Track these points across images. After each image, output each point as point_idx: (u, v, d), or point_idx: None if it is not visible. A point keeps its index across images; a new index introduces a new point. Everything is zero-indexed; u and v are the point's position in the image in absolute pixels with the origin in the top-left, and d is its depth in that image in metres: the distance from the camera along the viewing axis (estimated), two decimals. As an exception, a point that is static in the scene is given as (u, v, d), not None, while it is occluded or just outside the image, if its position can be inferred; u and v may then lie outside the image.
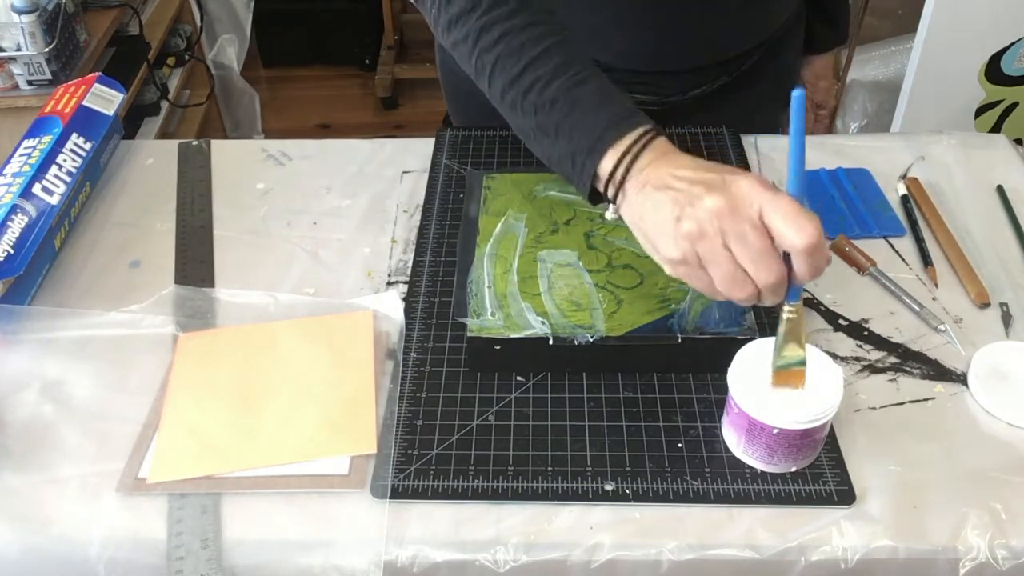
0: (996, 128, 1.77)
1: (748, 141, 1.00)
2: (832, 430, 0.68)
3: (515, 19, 0.70)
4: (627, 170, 0.65)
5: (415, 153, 0.99)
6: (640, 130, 0.66)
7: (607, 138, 0.66)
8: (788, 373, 0.64)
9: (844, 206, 0.91)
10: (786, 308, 0.63)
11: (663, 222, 0.62)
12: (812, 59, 1.13)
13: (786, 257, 0.60)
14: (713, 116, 1.00)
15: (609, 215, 0.69)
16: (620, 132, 0.66)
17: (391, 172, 0.97)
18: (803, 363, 0.64)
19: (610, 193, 0.67)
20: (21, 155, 0.89)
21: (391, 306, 0.80)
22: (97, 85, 0.99)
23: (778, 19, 0.99)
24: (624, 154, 0.65)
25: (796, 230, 0.57)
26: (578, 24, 0.87)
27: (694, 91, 0.99)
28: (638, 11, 0.90)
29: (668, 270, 0.64)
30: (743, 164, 0.96)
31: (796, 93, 0.57)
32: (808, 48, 1.10)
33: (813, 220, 0.58)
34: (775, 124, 1.11)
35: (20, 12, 1.52)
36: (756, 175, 0.62)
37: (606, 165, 0.66)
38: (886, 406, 0.72)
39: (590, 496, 0.64)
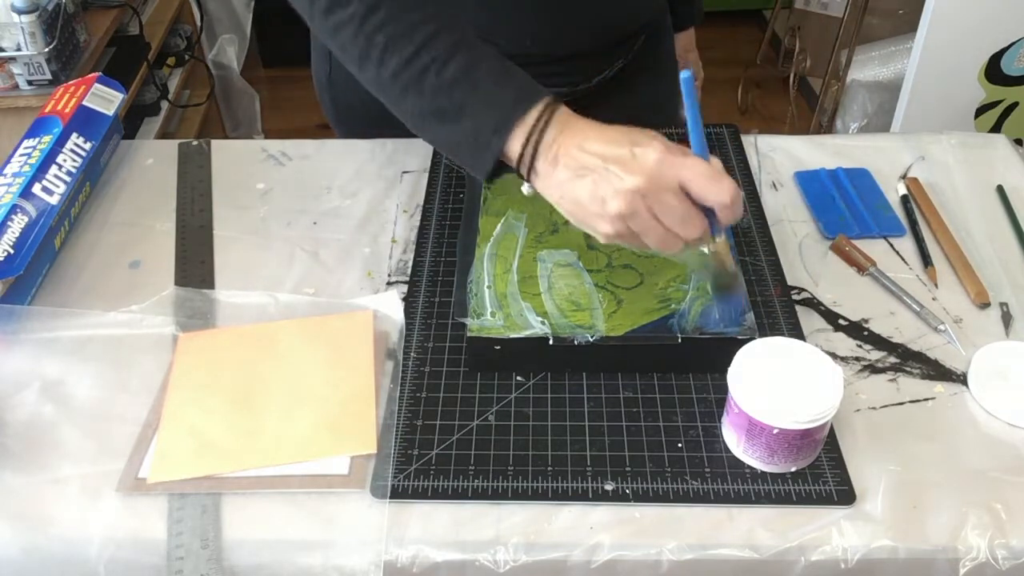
0: (996, 128, 1.77)
1: (748, 141, 1.00)
2: (832, 430, 0.68)
3: None
4: (535, 148, 0.67)
5: (415, 153, 0.99)
6: (542, 104, 0.67)
7: (513, 116, 0.67)
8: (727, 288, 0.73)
9: (844, 206, 0.91)
10: (713, 242, 0.69)
11: (589, 203, 0.65)
12: (678, 36, 1.20)
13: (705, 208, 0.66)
14: (625, 103, 1.04)
15: (526, 190, 0.70)
16: (525, 108, 0.67)
17: (391, 172, 0.97)
18: (736, 283, 0.74)
19: (521, 171, 0.68)
20: (21, 155, 0.89)
21: (391, 306, 0.80)
22: (97, 85, 0.99)
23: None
24: (531, 132, 0.67)
25: (717, 191, 0.63)
26: (469, 7, 0.87)
27: (597, 77, 1.00)
28: None
29: (604, 241, 0.68)
30: (743, 163, 0.96)
31: (684, 75, 0.65)
32: (673, 27, 1.17)
33: (726, 177, 0.64)
34: (676, 109, 1.20)
35: (20, 12, 1.52)
36: (661, 140, 0.65)
37: (514, 145, 0.67)
38: (886, 406, 0.72)
39: (590, 496, 0.64)
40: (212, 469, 0.67)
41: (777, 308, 0.78)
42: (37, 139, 0.90)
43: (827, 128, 2.43)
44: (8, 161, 0.88)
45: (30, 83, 1.61)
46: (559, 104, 0.68)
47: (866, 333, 0.78)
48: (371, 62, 0.71)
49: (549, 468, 0.66)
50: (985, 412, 0.71)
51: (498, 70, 0.69)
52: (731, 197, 0.64)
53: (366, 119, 1.05)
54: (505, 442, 0.68)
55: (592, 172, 0.65)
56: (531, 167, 0.68)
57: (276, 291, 0.82)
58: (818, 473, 0.65)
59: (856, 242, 0.86)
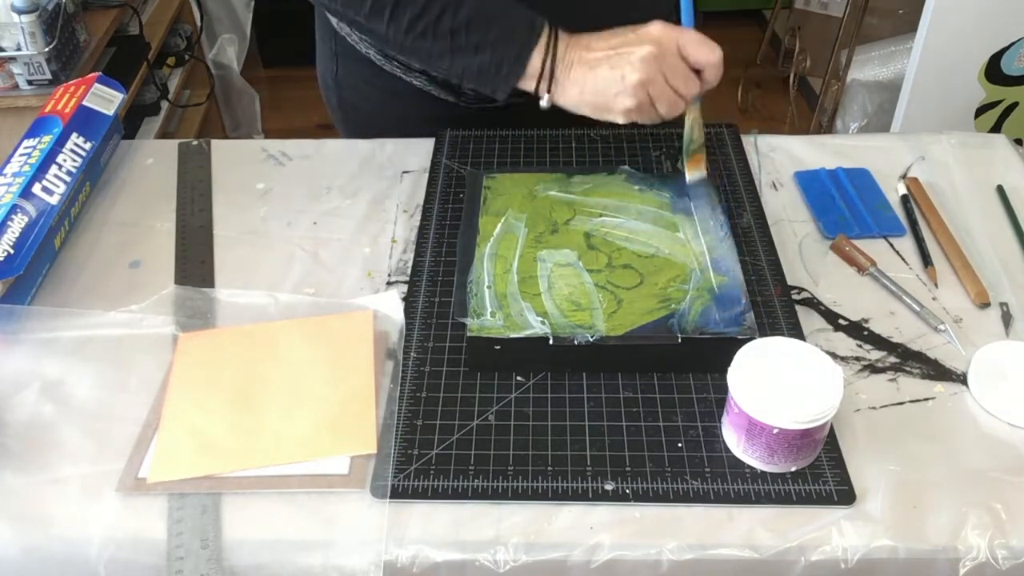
0: (996, 128, 1.77)
1: (748, 141, 1.00)
2: (832, 430, 0.68)
3: None
4: (552, 63, 0.78)
5: (415, 153, 0.99)
6: (547, 27, 0.79)
7: (530, 42, 0.78)
8: (697, 157, 0.86)
9: (844, 206, 0.91)
10: (694, 107, 0.84)
11: (607, 84, 0.77)
12: None
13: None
14: None
15: (544, 104, 0.80)
16: (537, 34, 0.78)
17: (391, 172, 0.97)
18: (704, 147, 0.86)
19: (541, 87, 0.79)
20: (21, 155, 0.89)
21: (391, 306, 0.80)
22: (97, 85, 0.99)
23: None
24: (545, 51, 0.78)
25: (709, 51, 0.77)
26: None
27: None
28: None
29: (622, 120, 0.79)
30: (743, 163, 0.96)
31: None
32: None
33: (712, 42, 0.78)
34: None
35: (20, 12, 1.52)
36: (656, 22, 0.77)
37: (534, 65, 0.79)
38: (886, 406, 0.72)
39: (590, 496, 0.64)
40: (212, 469, 0.67)
41: (777, 308, 0.78)
42: (37, 139, 0.90)
43: (827, 128, 2.43)
44: (8, 161, 0.88)
45: (30, 83, 1.61)
46: (556, 26, 0.79)
47: (866, 333, 0.78)
48: (381, 19, 0.80)
49: (549, 468, 0.66)
50: (985, 412, 0.71)
51: (505, 6, 0.79)
52: (720, 55, 0.77)
53: (372, 119, 1.06)
54: (505, 442, 0.68)
55: (606, 60, 0.77)
56: (551, 79, 0.79)
57: (276, 291, 0.82)
58: (818, 473, 0.65)
59: (856, 242, 0.86)
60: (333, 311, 0.80)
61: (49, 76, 1.60)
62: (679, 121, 0.85)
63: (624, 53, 0.76)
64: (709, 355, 0.71)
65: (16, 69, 1.59)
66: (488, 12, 0.79)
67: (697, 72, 0.78)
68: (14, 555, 0.63)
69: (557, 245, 0.80)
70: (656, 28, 0.77)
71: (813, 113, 2.53)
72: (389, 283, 0.84)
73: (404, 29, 0.79)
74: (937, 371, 0.74)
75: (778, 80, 2.84)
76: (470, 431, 0.69)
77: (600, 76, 0.77)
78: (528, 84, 0.80)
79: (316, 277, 0.84)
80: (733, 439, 0.66)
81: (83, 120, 0.94)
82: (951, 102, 1.72)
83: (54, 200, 0.85)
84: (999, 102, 1.74)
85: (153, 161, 1.01)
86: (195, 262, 0.86)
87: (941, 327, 0.78)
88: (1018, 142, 1.25)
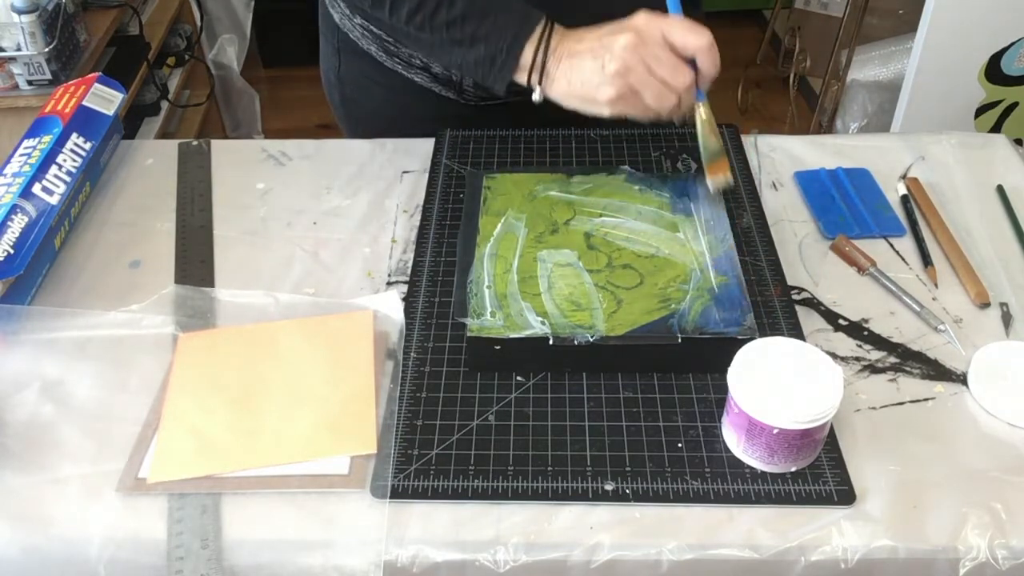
0: (996, 128, 1.77)
1: (748, 141, 1.00)
2: (832, 430, 0.68)
3: None
4: (544, 55, 0.79)
5: (415, 153, 0.99)
6: (543, 21, 0.80)
7: (522, 35, 0.79)
8: (717, 164, 0.83)
9: (844, 206, 0.91)
10: (700, 108, 0.81)
11: (591, 74, 0.77)
12: None
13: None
14: None
15: (536, 98, 0.81)
16: (531, 27, 0.79)
17: (391, 172, 0.97)
18: (723, 151, 0.83)
19: (533, 79, 0.80)
20: (21, 155, 0.89)
21: (391, 306, 0.80)
22: (97, 85, 0.99)
23: None
24: (538, 43, 0.79)
25: (696, 36, 0.75)
26: None
27: None
28: None
29: (607, 112, 0.78)
30: (743, 163, 0.96)
31: None
32: None
33: (703, 27, 0.76)
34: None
35: (20, 12, 1.52)
36: (641, 11, 0.76)
37: (527, 57, 0.79)
38: (886, 406, 0.72)
39: (590, 496, 0.64)
40: (212, 469, 0.67)
41: (777, 308, 0.78)
42: (37, 139, 0.90)
43: (827, 128, 2.43)
44: (8, 161, 0.88)
45: (30, 83, 1.61)
46: (552, 20, 0.80)
47: (866, 333, 0.78)
48: (383, 9, 0.82)
49: (549, 468, 0.66)
50: (985, 412, 0.71)
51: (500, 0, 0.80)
52: (709, 39, 0.75)
53: (374, 115, 1.06)
54: (505, 442, 0.68)
55: (589, 51, 0.77)
56: (543, 71, 0.79)
57: (276, 291, 0.82)
58: (818, 473, 0.65)
59: (856, 242, 0.86)
60: (333, 311, 0.80)
61: (49, 76, 1.60)
62: (679, 121, 0.83)
63: (606, 43, 0.76)
64: (709, 355, 0.71)
65: (16, 69, 1.59)
66: (483, 6, 0.79)
67: (692, 63, 0.77)
68: (14, 555, 0.63)
69: (557, 245, 0.80)
70: (639, 17, 0.76)
71: (813, 113, 2.53)
72: (389, 283, 0.84)
73: (404, 20, 0.82)
74: (937, 371, 0.74)
75: (778, 80, 2.84)
76: (470, 431, 0.69)
77: (584, 67, 0.77)
78: (521, 76, 0.80)
79: (316, 277, 0.84)
80: (733, 439, 0.66)
81: (83, 120, 0.94)
82: (951, 102, 1.72)
83: (54, 200, 0.85)
84: (999, 102, 1.74)
85: (153, 161, 1.01)
86: (195, 262, 0.86)
87: (941, 327, 0.78)
88: (1018, 142, 1.25)
